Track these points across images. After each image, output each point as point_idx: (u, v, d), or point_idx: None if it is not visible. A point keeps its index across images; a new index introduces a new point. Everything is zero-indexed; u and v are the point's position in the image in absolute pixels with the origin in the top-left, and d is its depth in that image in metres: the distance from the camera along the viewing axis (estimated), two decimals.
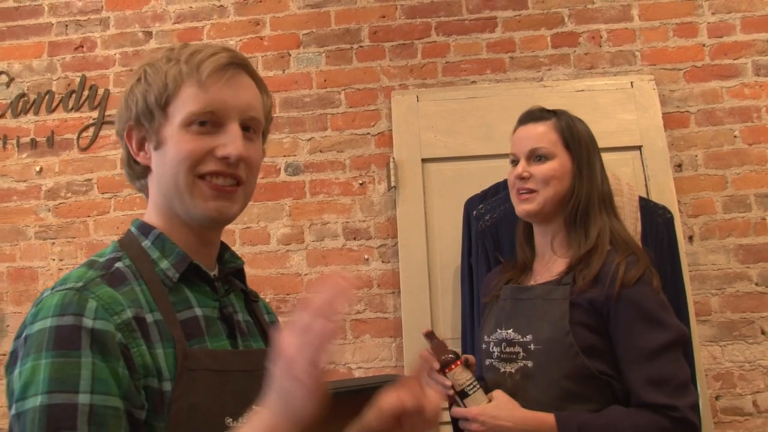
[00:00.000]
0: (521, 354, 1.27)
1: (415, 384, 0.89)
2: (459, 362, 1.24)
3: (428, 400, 0.84)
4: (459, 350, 2.04)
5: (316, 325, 0.62)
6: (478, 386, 1.22)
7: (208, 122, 0.82)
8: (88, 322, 0.70)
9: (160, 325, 0.76)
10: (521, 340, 1.28)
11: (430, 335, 1.27)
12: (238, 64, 0.84)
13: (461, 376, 1.23)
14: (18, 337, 0.73)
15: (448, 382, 1.23)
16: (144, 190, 0.90)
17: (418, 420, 0.85)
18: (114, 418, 0.68)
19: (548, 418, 1.17)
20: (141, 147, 0.86)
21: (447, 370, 1.23)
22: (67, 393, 0.67)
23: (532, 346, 1.25)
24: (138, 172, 0.88)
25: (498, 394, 1.24)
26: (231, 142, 0.82)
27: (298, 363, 0.62)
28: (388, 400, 0.85)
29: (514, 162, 1.40)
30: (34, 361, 0.68)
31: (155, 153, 0.84)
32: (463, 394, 1.22)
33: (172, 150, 0.82)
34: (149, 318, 0.76)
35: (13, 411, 0.68)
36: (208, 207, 0.83)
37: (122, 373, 0.70)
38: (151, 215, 0.88)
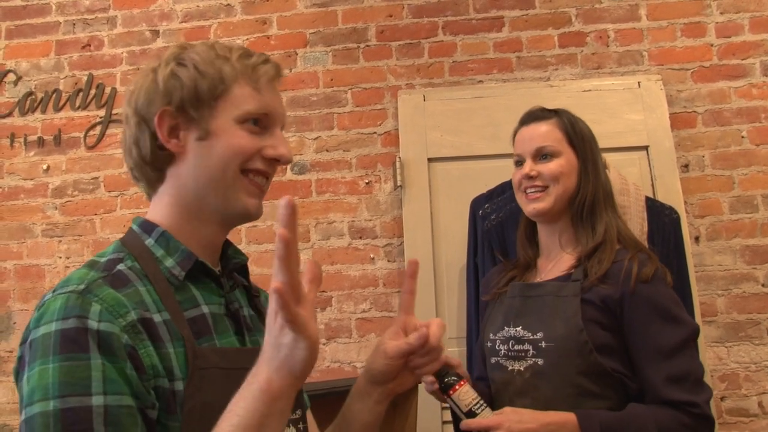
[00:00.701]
0: (531, 352, 1.26)
1: (412, 320, 0.90)
2: (462, 383, 1.19)
3: (432, 333, 0.86)
4: (464, 350, 2.05)
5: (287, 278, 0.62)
6: (485, 404, 1.18)
7: (259, 123, 0.85)
8: (93, 324, 0.69)
9: (169, 325, 0.76)
10: (531, 337, 1.27)
11: (443, 367, 1.22)
12: (282, 75, 0.90)
13: (467, 396, 1.18)
14: (23, 342, 0.73)
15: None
16: (153, 180, 0.86)
17: (425, 353, 0.87)
18: (129, 417, 0.68)
19: (570, 416, 1.16)
20: (173, 134, 0.83)
21: (451, 392, 1.18)
22: (80, 396, 0.66)
23: (543, 344, 1.24)
24: (161, 159, 0.84)
25: (507, 409, 1.21)
26: (281, 145, 0.86)
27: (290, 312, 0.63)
28: (394, 344, 0.87)
29: (519, 162, 1.39)
30: (42, 365, 0.67)
31: (197, 143, 0.83)
32: (470, 414, 1.17)
33: (223, 143, 0.83)
34: (157, 318, 0.75)
35: (22, 417, 0.68)
36: (248, 203, 0.86)
37: (130, 374, 0.69)
38: (156, 211, 0.86)
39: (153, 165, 0.85)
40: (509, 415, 1.18)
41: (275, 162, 0.86)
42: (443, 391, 1.20)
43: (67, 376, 0.67)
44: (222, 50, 0.85)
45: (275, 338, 0.65)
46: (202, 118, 0.83)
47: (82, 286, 0.72)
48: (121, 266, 0.78)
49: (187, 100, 0.82)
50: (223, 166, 0.83)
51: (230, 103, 0.83)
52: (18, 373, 0.72)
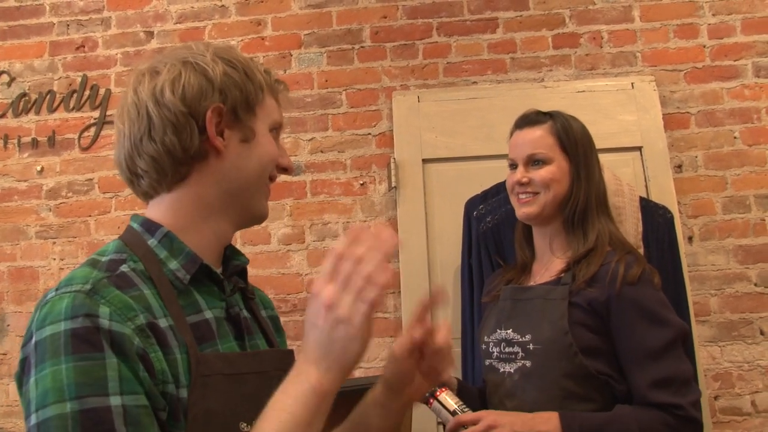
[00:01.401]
0: (520, 354, 1.27)
1: (420, 324, 0.90)
2: (443, 389, 1.23)
3: (439, 334, 0.86)
4: (458, 350, 2.05)
5: (365, 261, 0.65)
6: (468, 408, 1.21)
7: (276, 133, 0.90)
8: (104, 323, 0.67)
9: (174, 330, 0.74)
10: (520, 340, 1.28)
11: None
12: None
13: (449, 400, 1.21)
14: (26, 344, 0.70)
15: None
16: (171, 177, 0.82)
17: (434, 354, 0.87)
18: (147, 416, 0.67)
19: (553, 414, 1.18)
20: (218, 132, 0.83)
21: (436, 394, 1.22)
22: (98, 396, 0.65)
23: (531, 346, 1.26)
24: (193, 154, 0.81)
25: (489, 411, 1.24)
26: (287, 156, 0.91)
27: (344, 304, 0.65)
28: (398, 342, 0.88)
29: (513, 166, 1.41)
30: (53, 366, 0.65)
31: (240, 145, 0.84)
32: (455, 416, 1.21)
33: (262, 148, 0.86)
34: (163, 323, 0.73)
35: (32, 421, 0.65)
36: (266, 207, 0.90)
37: (143, 375, 0.68)
38: (159, 210, 0.84)
39: (187, 160, 0.82)
40: (499, 412, 1.22)
41: (283, 171, 0.91)
42: (425, 399, 1.23)
43: (82, 376, 0.65)
44: (252, 62, 0.89)
45: (327, 334, 0.65)
46: (248, 121, 0.85)
47: (87, 286, 0.70)
48: (124, 267, 0.76)
49: (239, 102, 0.84)
50: (260, 170, 0.86)
51: (264, 111, 0.87)
52: (21, 377, 0.70)
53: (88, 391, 0.64)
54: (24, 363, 0.70)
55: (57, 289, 0.72)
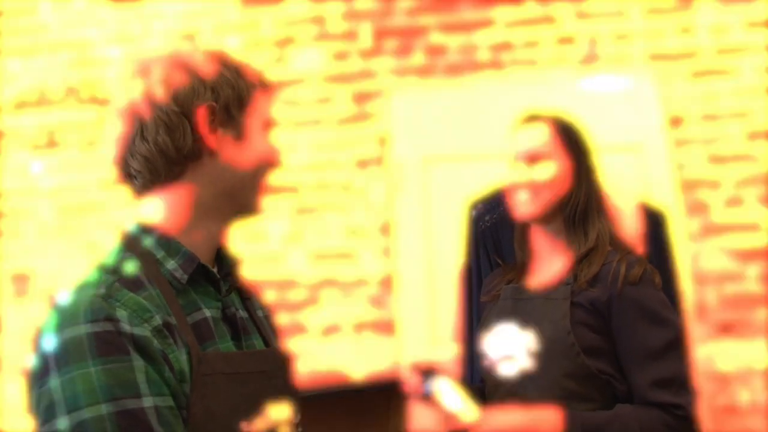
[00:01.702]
0: (521, 354, 1.28)
1: None
2: (441, 382, 1.24)
3: None
4: (459, 351, 2.06)
5: None
6: (467, 405, 1.21)
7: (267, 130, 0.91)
8: (126, 327, 0.68)
9: (178, 330, 0.75)
10: (521, 339, 1.29)
11: (428, 372, 1.28)
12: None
13: (447, 401, 1.22)
14: (39, 347, 0.70)
15: None
16: (165, 177, 0.82)
17: None
18: (175, 417, 0.69)
19: (555, 413, 1.18)
20: (211, 130, 0.83)
21: (437, 394, 1.23)
22: (133, 398, 0.66)
23: (532, 346, 1.26)
24: (186, 153, 0.81)
25: (492, 410, 1.24)
26: (280, 153, 0.91)
27: None
28: None
29: (513, 165, 1.41)
30: (81, 369, 0.66)
31: (234, 143, 0.84)
32: (459, 413, 1.21)
33: (256, 145, 0.86)
34: (172, 322, 0.74)
35: (63, 423, 0.65)
36: (261, 204, 0.90)
37: (168, 376, 0.70)
38: (155, 210, 0.84)
39: (180, 159, 0.82)
40: (497, 410, 1.22)
41: (277, 168, 0.91)
42: (425, 393, 1.24)
43: (113, 378, 0.66)
44: (237, 61, 0.89)
45: None
46: (240, 119, 0.85)
47: (102, 290, 0.71)
48: (130, 268, 0.77)
49: (232, 100, 0.84)
50: (254, 167, 0.86)
51: (256, 108, 0.87)
52: (36, 380, 0.68)
53: (122, 393, 0.65)
54: (42, 366, 0.68)
55: (69, 294, 0.72)
